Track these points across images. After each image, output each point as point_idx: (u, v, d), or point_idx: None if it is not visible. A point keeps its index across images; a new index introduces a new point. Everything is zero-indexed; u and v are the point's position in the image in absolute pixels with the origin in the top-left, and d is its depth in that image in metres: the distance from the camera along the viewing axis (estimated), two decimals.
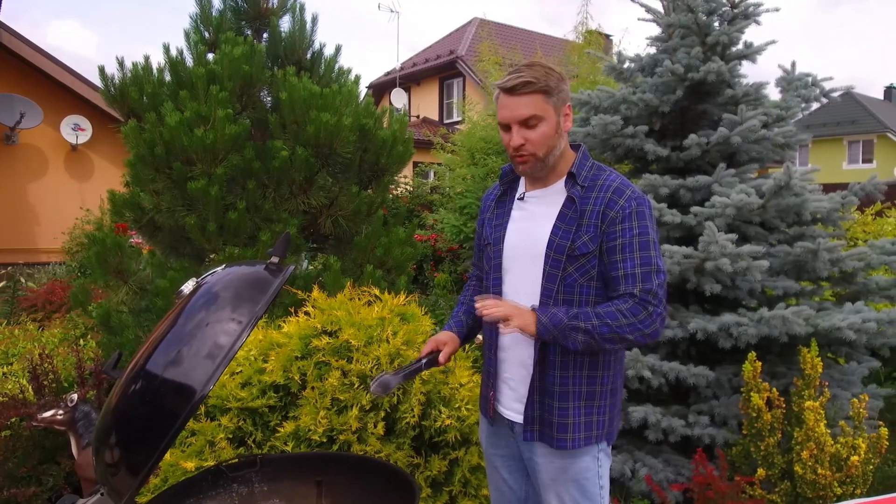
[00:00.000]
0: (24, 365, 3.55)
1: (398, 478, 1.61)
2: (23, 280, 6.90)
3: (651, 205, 1.93)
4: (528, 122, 1.70)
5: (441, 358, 1.81)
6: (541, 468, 1.81)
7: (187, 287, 1.32)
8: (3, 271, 7.32)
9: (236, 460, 1.70)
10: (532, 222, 1.79)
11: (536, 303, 1.74)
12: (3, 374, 3.90)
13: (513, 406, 1.83)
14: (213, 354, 1.15)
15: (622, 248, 1.67)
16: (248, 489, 1.65)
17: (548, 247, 1.72)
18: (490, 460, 1.99)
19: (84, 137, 10.02)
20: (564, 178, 1.78)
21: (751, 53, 3.45)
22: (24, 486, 2.85)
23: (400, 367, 1.75)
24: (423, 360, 1.78)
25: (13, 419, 3.00)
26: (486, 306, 1.65)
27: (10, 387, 3.61)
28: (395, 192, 9.33)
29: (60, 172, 10.16)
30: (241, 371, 2.53)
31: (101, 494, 1.25)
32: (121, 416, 1.19)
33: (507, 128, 1.74)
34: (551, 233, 1.73)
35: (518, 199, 1.88)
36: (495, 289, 1.85)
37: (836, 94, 3.59)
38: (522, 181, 1.90)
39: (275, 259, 1.37)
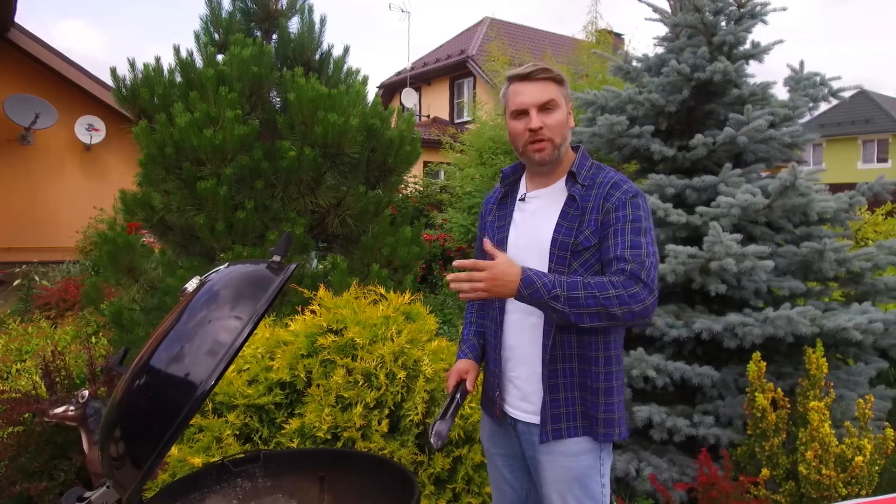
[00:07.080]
0: (36, 362, 3.60)
1: (399, 474, 1.63)
2: (37, 278, 6.99)
3: (648, 200, 1.94)
4: (545, 106, 1.73)
5: (468, 386, 1.82)
6: (543, 466, 1.80)
7: (191, 285, 1.35)
8: (18, 269, 7.41)
9: (242, 455, 1.73)
10: (535, 221, 1.80)
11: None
12: (17, 370, 3.96)
13: (519, 405, 1.83)
14: (215, 351, 1.18)
15: (615, 233, 1.68)
16: (251, 484, 1.67)
17: (552, 244, 1.73)
18: (491, 459, 1.99)
19: (98, 137, 10.15)
20: (565, 177, 1.79)
21: (758, 53, 3.43)
22: (35, 481, 2.89)
23: (442, 412, 1.72)
24: (458, 396, 1.78)
25: (26, 415, 3.04)
26: (461, 285, 1.58)
27: (23, 383, 3.66)
28: (404, 191, 9.35)
29: (75, 172, 10.30)
30: (248, 368, 2.56)
31: (107, 487, 1.27)
32: (125, 410, 1.22)
33: (522, 114, 1.75)
34: (555, 230, 1.74)
35: (519, 199, 1.89)
36: None
37: (844, 94, 3.57)
38: (523, 182, 1.91)
39: (276, 258, 1.39)
